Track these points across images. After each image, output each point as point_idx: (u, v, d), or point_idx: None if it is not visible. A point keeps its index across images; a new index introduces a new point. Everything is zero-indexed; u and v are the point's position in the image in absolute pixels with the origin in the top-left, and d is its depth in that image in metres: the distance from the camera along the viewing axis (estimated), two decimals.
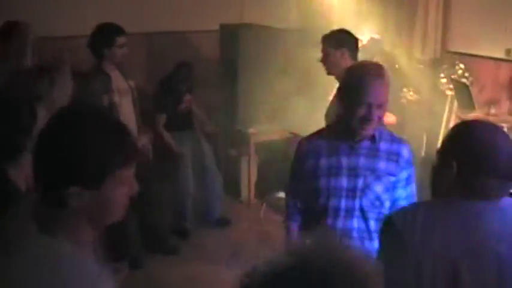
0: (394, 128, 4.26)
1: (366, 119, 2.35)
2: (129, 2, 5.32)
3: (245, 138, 5.56)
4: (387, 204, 2.50)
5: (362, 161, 2.46)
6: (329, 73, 3.74)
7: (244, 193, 5.75)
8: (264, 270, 1.04)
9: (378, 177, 2.45)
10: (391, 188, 2.49)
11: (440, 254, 1.69)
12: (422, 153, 5.43)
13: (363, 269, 1.03)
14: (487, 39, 5.66)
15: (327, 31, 3.81)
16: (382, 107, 2.36)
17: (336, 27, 4.98)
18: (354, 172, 2.46)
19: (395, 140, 2.55)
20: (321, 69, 3.84)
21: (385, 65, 5.19)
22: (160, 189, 4.81)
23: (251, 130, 5.49)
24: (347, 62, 3.59)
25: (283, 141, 5.44)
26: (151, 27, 5.46)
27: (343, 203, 2.46)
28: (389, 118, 4.45)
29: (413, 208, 1.90)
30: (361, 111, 2.34)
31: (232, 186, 5.73)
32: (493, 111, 4.54)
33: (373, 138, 2.47)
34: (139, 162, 1.54)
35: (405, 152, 2.51)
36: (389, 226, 1.77)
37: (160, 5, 5.55)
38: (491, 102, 5.14)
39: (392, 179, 2.48)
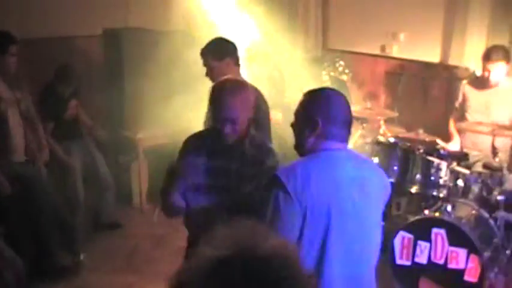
0: (281, 125, 4.42)
1: (223, 132, 2.61)
2: (11, 8, 5.11)
3: (133, 144, 5.49)
4: None
5: (233, 163, 2.68)
6: None
7: (136, 199, 5.69)
8: (200, 264, 1.05)
9: (244, 179, 2.66)
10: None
11: (317, 202, 2.09)
12: None
13: (292, 252, 1.11)
14: (364, 37, 5.97)
15: (209, 31, 3.80)
16: (236, 121, 2.60)
17: (217, 28, 5.02)
18: (226, 172, 2.68)
19: (263, 148, 2.77)
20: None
21: (266, 68, 5.34)
22: (51, 200, 4.65)
23: (139, 136, 5.43)
24: (233, 70, 3.60)
25: (171, 144, 5.42)
26: (34, 33, 5.25)
27: (215, 199, 2.68)
28: (276, 116, 4.60)
29: (292, 166, 2.21)
30: (219, 124, 2.62)
31: (124, 193, 5.65)
32: (368, 105, 4.73)
33: (242, 143, 2.69)
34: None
35: (269, 161, 2.70)
36: (277, 184, 2.11)
37: (43, 10, 5.36)
38: (370, 97, 5.42)
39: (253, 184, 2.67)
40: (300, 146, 2.28)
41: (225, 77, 2.86)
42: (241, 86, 2.72)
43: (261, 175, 2.62)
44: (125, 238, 5.10)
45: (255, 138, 2.77)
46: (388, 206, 4.43)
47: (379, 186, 2.29)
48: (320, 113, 2.19)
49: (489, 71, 4.42)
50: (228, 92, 2.60)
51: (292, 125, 2.30)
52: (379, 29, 5.88)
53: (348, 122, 2.24)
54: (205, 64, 3.68)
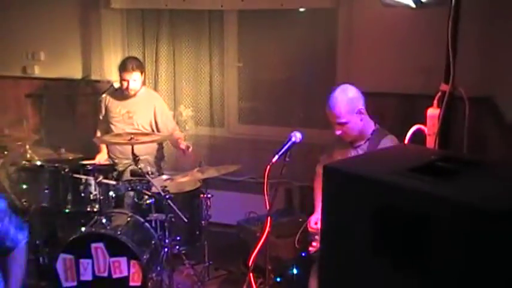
0: None
1: None
2: None
3: None
4: None
5: None
6: None
7: None
8: None
9: None
10: None
11: None
12: None
13: None
14: (3, 59, 5.73)
15: None
16: None
17: None
18: None
19: None
20: None
21: None
22: None
23: None
24: None
25: None
26: None
27: None
28: None
29: None
30: None
31: None
32: (6, 131, 4.44)
33: None
34: None
35: None
36: None
37: None
38: (16, 122, 5.18)
39: None
40: None
41: None
42: None
43: None
44: None
45: None
46: (50, 230, 4.33)
47: None
48: None
49: (127, 81, 4.62)
50: None
51: None
52: (17, 49, 5.70)
53: None
54: None
